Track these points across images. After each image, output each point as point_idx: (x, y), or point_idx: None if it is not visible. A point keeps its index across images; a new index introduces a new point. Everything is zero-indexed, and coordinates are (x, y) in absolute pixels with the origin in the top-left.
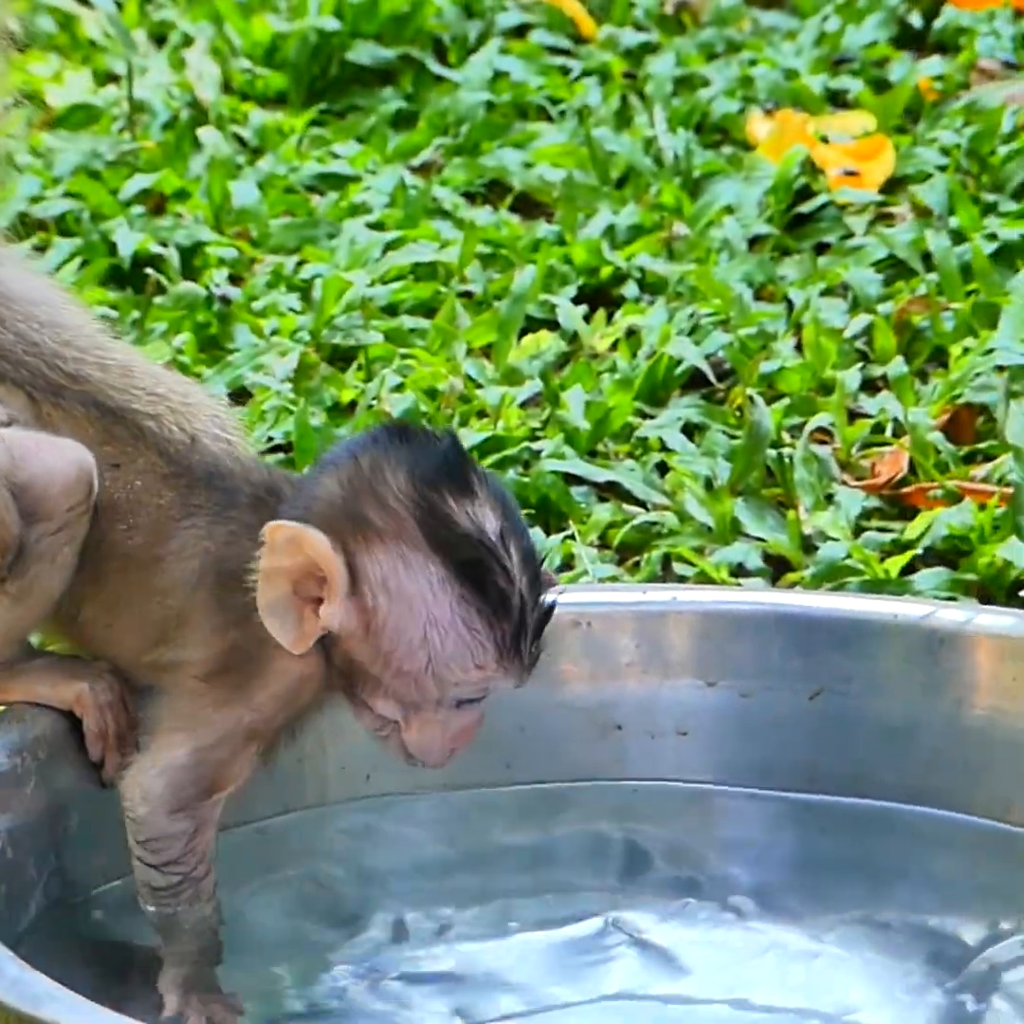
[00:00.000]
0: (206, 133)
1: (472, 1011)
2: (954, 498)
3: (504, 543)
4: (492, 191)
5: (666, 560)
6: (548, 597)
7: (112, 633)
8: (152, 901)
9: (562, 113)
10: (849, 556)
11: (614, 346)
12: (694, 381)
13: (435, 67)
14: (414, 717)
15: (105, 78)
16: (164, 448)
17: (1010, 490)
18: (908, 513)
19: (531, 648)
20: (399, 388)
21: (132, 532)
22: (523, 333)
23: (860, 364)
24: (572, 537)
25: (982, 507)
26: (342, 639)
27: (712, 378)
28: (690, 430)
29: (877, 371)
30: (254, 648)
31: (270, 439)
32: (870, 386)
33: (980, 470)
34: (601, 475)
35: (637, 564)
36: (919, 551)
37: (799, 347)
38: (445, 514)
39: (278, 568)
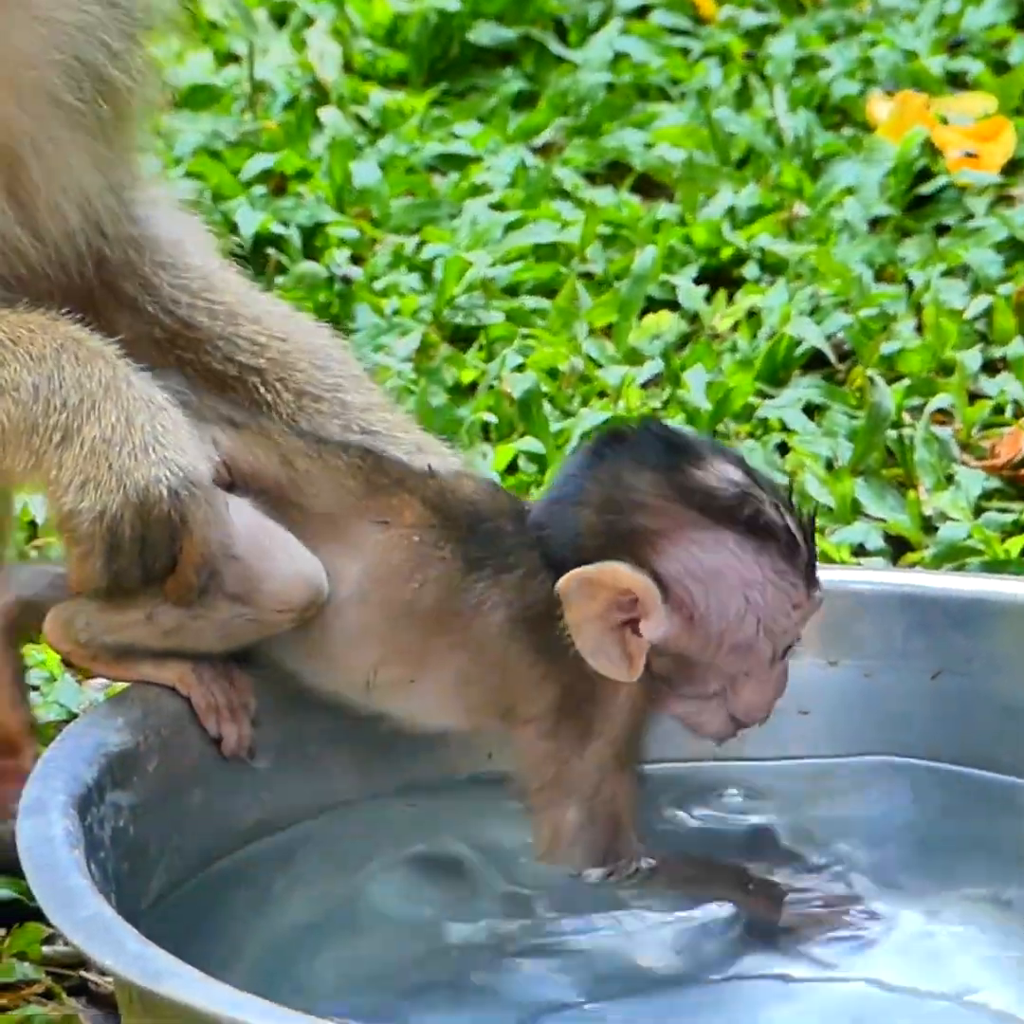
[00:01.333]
0: (327, 113)
1: (592, 987)
2: None
3: (756, 482)
4: (613, 172)
5: None
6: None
7: (417, 689)
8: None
9: (682, 94)
10: (969, 536)
11: (735, 327)
12: (815, 362)
13: (556, 48)
14: (744, 684)
15: (226, 58)
16: (424, 494)
17: None
18: None
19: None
20: (520, 368)
21: (423, 590)
22: (644, 313)
23: (980, 345)
24: None
25: None
26: (667, 644)
27: (832, 359)
28: (811, 410)
29: (997, 352)
30: (584, 684)
31: None
32: (990, 367)
33: None
34: None
35: None
36: None
37: (919, 328)
38: (702, 486)
39: (586, 615)
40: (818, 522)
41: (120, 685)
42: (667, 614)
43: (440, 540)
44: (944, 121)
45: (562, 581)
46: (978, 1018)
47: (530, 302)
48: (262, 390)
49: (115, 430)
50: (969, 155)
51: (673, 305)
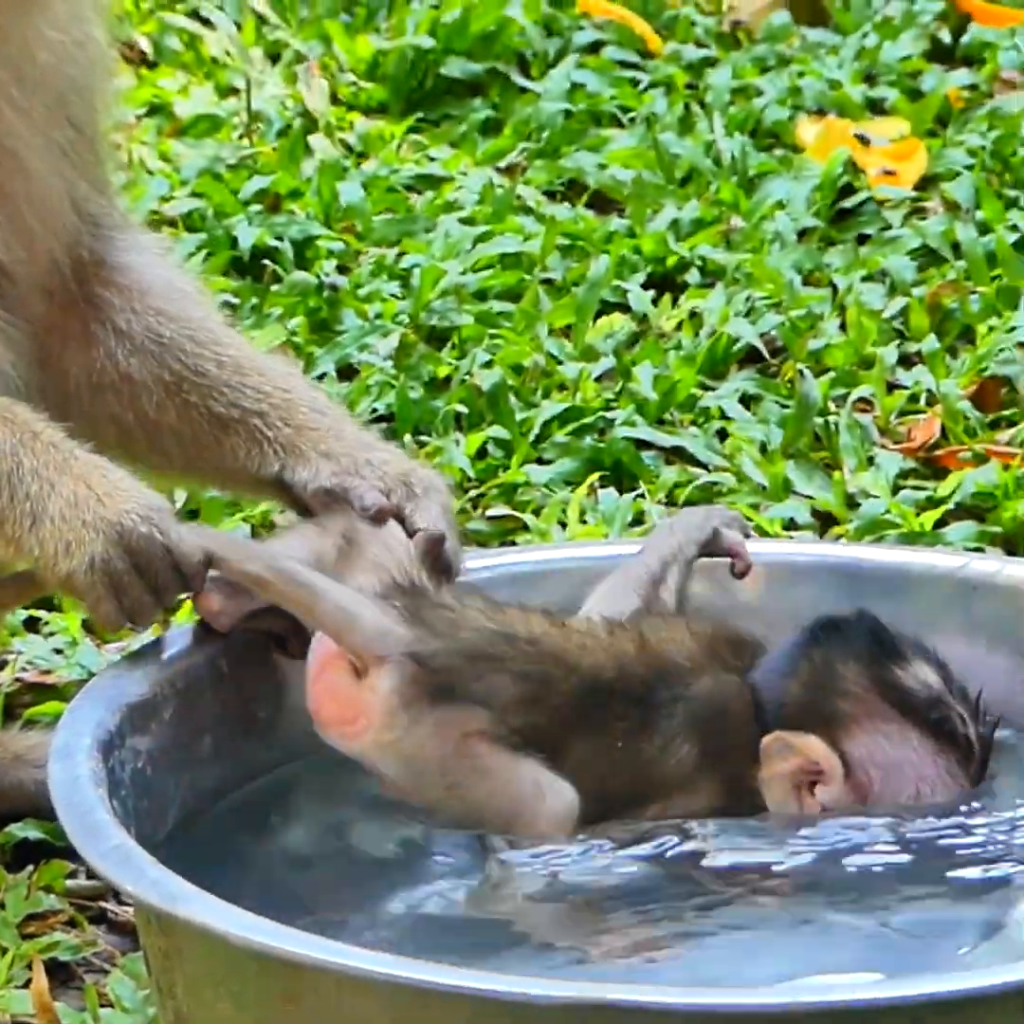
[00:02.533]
0: (316, 140)
1: (552, 917)
2: (981, 459)
3: (951, 691)
4: (570, 190)
5: None
6: (989, 725)
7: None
8: None
9: (632, 120)
10: (888, 511)
11: (679, 326)
12: (750, 357)
13: (519, 79)
14: None
15: (226, 91)
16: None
17: None
18: (940, 473)
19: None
20: (488, 365)
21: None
22: (598, 315)
23: (897, 341)
24: (642, 496)
25: (1006, 467)
26: (831, 805)
27: (766, 354)
28: (747, 400)
29: (912, 347)
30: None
31: (374, 411)
32: (906, 361)
33: (1004, 435)
34: (668, 441)
35: None
36: (950, 507)
37: (843, 326)
38: (900, 685)
39: (779, 771)
40: (753, 500)
41: (137, 644)
42: (844, 789)
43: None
44: (864, 142)
45: (767, 739)
46: (898, 942)
47: (497, 306)
48: (264, 429)
49: (77, 495)
50: (887, 172)
51: (624, 307)
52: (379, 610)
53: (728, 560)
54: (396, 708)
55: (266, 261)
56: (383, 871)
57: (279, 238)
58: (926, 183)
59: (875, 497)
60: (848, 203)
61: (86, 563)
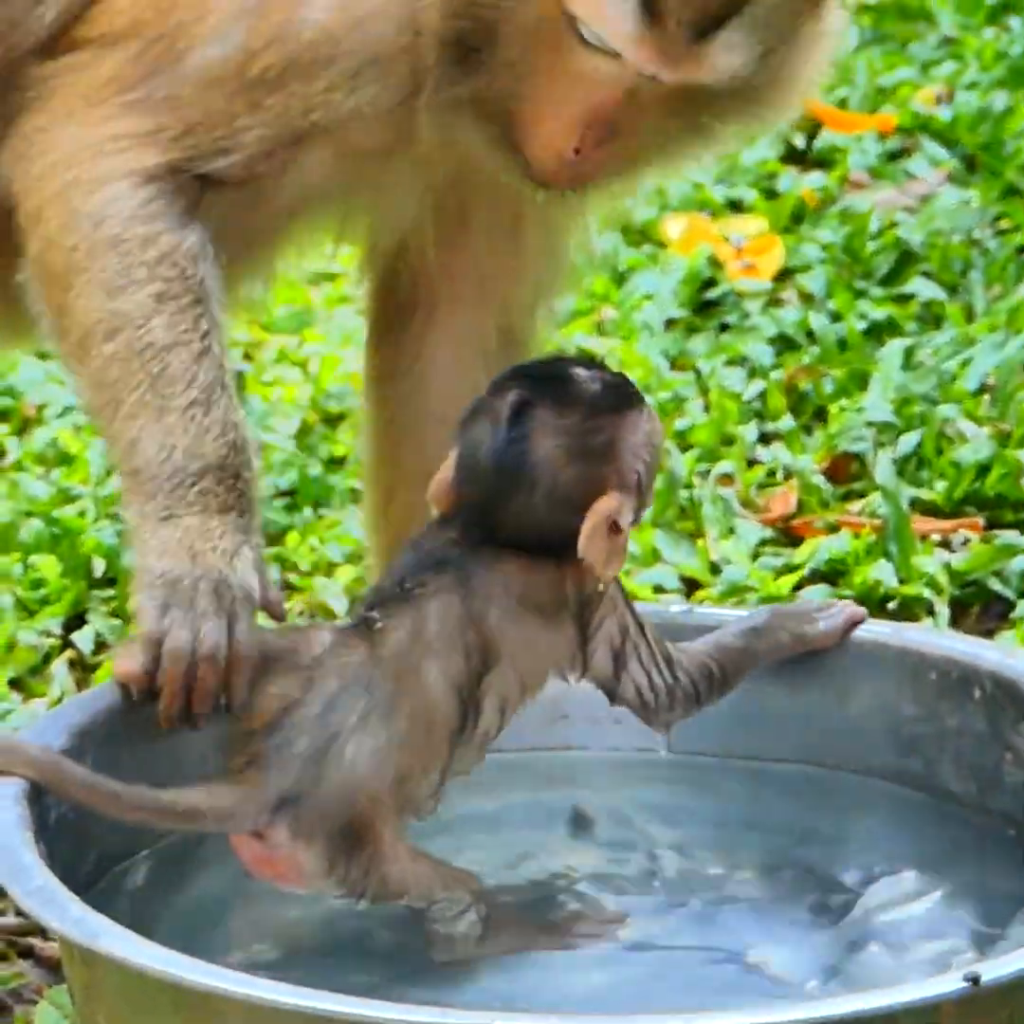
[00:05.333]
0: None
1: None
2: (834, 529)
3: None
4: None
5: None
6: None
7: None
8: None
9: None
10: (748, 577)
11: None
12: None
13: None
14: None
15: None
16: None
17: (879, 522)
18: (796, 541)
19: None
20: None
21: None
22: None
23: (756, 421)
24: None
25: (857, 536)
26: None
27: None
28: None
29: (770, 426)
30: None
31: (278, 487)
32: (764, 439)
33: (855, 506)
34: None
35: None
36: (806, 572)
37: (706, 407)
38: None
39: (592, 546)
40: (625, 566)
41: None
42: (633, 503)
43: None
44: (725, 239)
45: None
46: (754, 976)
47: None
48: None
49: None
50: (746, 266)
51: None
52: (212, 793)
53: None
54: (308, 853)
55: None
56: (294, 906)
57: None
58: (783, 276)
59: (736, 564)
60: (711, 295)
61: None
